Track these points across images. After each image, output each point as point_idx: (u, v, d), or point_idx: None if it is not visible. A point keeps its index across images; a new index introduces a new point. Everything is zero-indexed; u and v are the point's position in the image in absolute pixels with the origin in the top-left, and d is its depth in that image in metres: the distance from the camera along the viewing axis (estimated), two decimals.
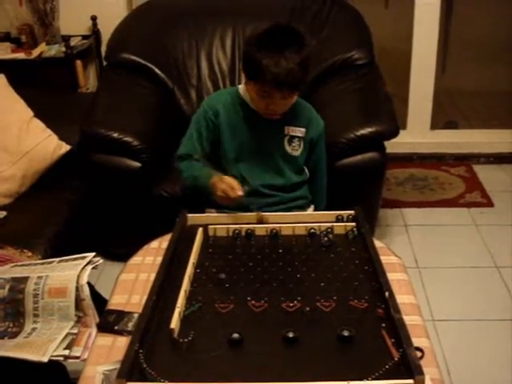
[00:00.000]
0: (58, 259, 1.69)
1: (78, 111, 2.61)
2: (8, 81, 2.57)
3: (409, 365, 1.20)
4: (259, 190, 2.01)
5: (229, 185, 1.79)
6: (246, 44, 1.95)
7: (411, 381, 1.17)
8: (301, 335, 1.32)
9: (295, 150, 2.01)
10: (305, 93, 2.69)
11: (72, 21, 3.24)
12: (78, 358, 1.47)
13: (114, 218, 2.62)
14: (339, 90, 2.70)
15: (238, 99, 1.98)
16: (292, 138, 2.00)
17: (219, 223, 1.79)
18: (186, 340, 1.32)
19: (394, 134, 2.44)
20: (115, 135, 2.40)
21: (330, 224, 1.75)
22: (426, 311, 2.43)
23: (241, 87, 2.00)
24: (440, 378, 1.29)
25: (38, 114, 2.52)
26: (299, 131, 2.00)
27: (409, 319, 1.36)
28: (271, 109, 1.89)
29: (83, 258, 1.64)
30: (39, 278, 1.58)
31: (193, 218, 1.83)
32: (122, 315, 1.48)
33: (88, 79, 3.35)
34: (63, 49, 3.09)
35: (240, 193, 1.77)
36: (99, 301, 1.65)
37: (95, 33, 3.27)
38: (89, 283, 1.56)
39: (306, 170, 2.11)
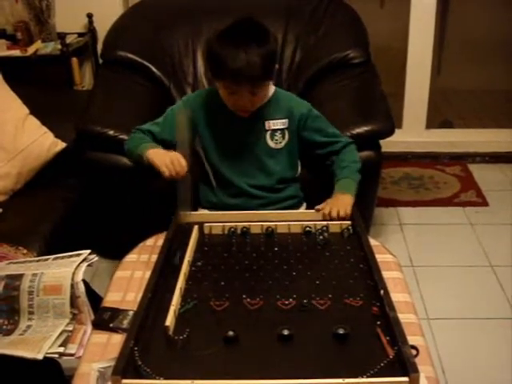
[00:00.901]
0: (53, 256, 1.68)
1: (73, 109, 2.60)
2: (3, 78, 2.56)
3: (404, 363, 1.20)
4: (247, 190, 2.00)
5: (177, 158, 1.78)
6: (208, 41, 1.91)
7: (406, 378, 1.17)
8: (296, 333, 1.32)
9: (279, 142, 1.98)
10: (301, 91, 2.72)
11: (68, 18, 3.24)
12: (73, 355, 1.47)
13: (109, 216, 2.61)
14: (335, 88, 2.69)
15: (216, 99, 1.94)
16: (274, 131, 1.98)
17: (215, 221, 1.79)
18: (181, 337, 1.32)
19: (390, 132, 2.44)
20: (111, 133, 2.39)
21: (325, 222, 1.76)
22: (421, 309, 2.44)
23: None
24: (435, 376, 1.29)
25: (34, 112, 2.51)
26: (280, 123, 1.97)
27: (404, 317, 1.37)
28: (240, 105, 1.87)
29: (78, 255, 1.64)
30: (34, 275, 1.57)
31: (188, 215, 1.84)
32: (117, 313, 1.48)
33: (84, 77, 3.35)
34: (59, 46, 3.09)
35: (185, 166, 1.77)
36: (94, 298, 1.65)
37: (91, 30, 3.27)
38: (84, 280, 1.56)
39: (299, 165, 2.11)
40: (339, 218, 1.79)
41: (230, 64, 1.75)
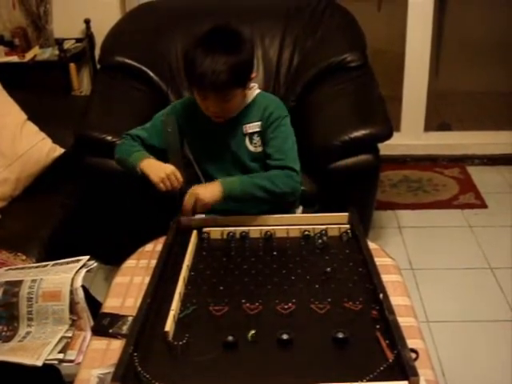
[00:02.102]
0: (52, 262, 1.68)
1: (71, 114, 2.61)
2: (1, 84, 2.56)
3: (403, 366, 1.20)
4: None
5: (172, 172, 1.80)
6: (186, 46, 1.90)
7: (406, 382, 1.17)
8: (295, 337, 1.32)
9: (258, 146, 1.96)
10: (299, 95, 2.72)
11: (65, 24, 3.24)
12: (72, 361, 1.47)
13: (108, 221, 2.61)
14: (333, 92, 2.69)
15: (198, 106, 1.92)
16: (251, 135, 1.95)
17: (213, 226, 1.79)
18: (180, 343, 1.32)
19: (388, 135, 2.44)
20: (109, 138, 2.39)
21: (324, 226, 1.75)
22: (421, 313, 2.44)
23: None
24: (435, 379, 1.29)
25: (32, 117, 2.52)
26: (256, 126, 1.94)
27: (403, 321, 1.36)
28: (212, 111, 1.86)
29: (77, 261, 1.64)
30: (33, 281, 1.57)
31: (187, 220, 1.83)
32: (116, 318, 1.48)
33: (82, 82, 3.35)
34: (57, 52, 3.10)
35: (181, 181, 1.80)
36: (93, 304, 1.65)
37: (89, 36, 3.27)
38: (83, 286, 1.56)
39: None
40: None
41: (195, 69, 1.75)
